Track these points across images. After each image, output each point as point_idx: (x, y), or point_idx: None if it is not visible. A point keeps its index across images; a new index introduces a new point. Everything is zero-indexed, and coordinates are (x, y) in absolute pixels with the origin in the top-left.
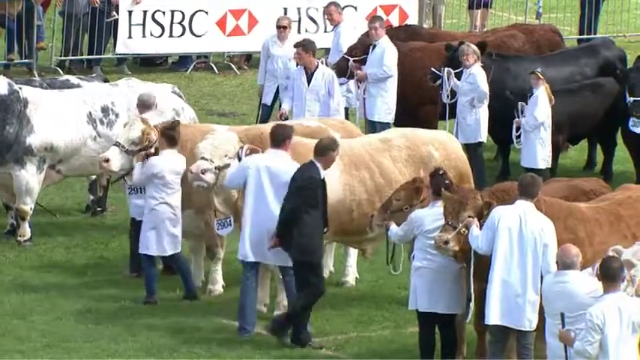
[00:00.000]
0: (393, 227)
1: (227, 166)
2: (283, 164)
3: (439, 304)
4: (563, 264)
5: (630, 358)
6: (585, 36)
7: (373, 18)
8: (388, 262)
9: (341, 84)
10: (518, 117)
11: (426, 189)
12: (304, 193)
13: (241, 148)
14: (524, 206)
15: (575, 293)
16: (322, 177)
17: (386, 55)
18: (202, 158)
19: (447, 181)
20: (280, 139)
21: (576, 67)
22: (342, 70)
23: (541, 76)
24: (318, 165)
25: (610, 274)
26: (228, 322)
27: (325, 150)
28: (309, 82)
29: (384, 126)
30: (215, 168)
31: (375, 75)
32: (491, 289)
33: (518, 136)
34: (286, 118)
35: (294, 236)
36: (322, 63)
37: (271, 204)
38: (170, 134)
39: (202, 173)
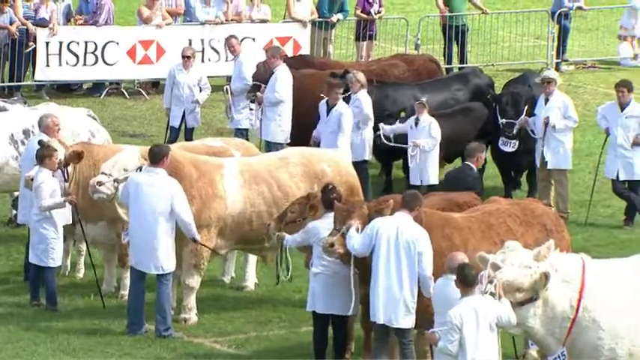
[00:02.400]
0: (288, 235)
1: (126, 179)
2: (158, 179)
3: (334, 306)
4: (450, 269)
5: (489, 353)
6: (458, 65)
7: (270, 48)
8: (278, 268)
9: (251, 109)
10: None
11: (319, 203)
12: None
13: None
14: (402, 217)
15: (454, 297)
16: None
17: (279, 81)
18: (102, 173)
19: (334, 195)
20: (158, 157)
21: (449, 93)
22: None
23: (425, 105)
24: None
25: (467, 280)
26: None
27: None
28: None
29: (277, 146)
30: (114, 180)
31: (269, 99)
32: (372, 290)
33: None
34: (317, 144)
35: None
36: (225, 90)
37: (149, 216)
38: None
39: (99, 185)
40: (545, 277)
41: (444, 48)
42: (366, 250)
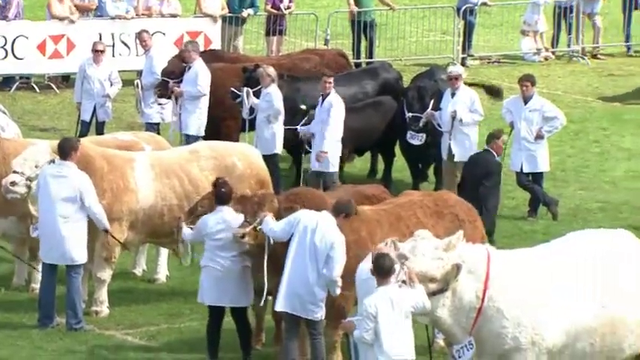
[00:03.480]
0: (186, 230)
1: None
2: (68, 173)
3: (224, 299)
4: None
5: (404, 339)
6: (367, 59)
7: (187, 42)
8: (178, 256)
9: (160, 104)
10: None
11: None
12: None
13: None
14: (326, 217)
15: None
16: None
17: (200, 75)
18: (14, 172)
19: (223, 189)
20: (67, 151)
21: (359, 87)
22: (165, 91)
23: None
24: None
25: (383, 270)
26: None
27: None
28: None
29: (198, 139)
30: (26, 179)
31: (191, 93)
32: (283, 281)
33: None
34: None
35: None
36: (135, 85)
37: (58, 209)
38: None
39: (12, 185)
40: (457, 268)
41: (353, 43)
42: (286, 236)
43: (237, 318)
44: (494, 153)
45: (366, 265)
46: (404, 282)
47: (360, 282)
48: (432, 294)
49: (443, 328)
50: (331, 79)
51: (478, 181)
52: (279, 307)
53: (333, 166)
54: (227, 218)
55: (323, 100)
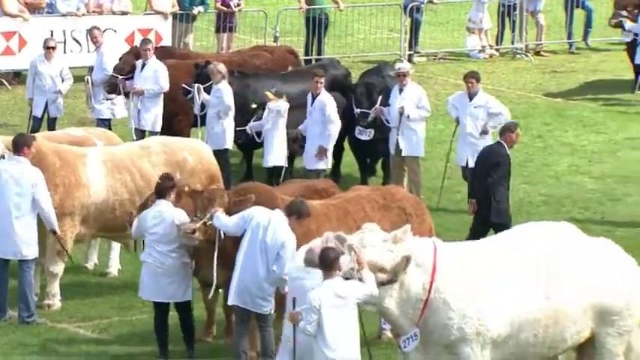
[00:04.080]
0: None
1: None
2: (20, 168)
3: (161, 294)
4: (308, 262)
5: (348, 330)
6: (316, 56)
7: (144, 40)
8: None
9: (109, 99)
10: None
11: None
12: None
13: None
14: (279, 216)
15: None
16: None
17: (159, 73)
18: None
19: (161, 183)
20: (20, 146)
21: (309, 84)
22: (114, 87)
23: (271, 97)
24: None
25: (327, 264)
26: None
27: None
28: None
29: (155, 134)
30: None
31: (153, 90)
32: (234, 276)
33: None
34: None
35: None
36: (85, 81)
37: (10, 204)
38: None
39: None
40: (407, 260)
41: (306, 40)
42: (239, 231)
43: (181, 312)
44: (506, 145)
45: (294, 265)
46: (352, 269)
47: (289, 281)
48: (380, 284)
49: (390, 319)
50: (322, 79)
51: (487, 172)
52: (231, 301)
53: (328, 162)
54: (163, 211)
55: (313, 99)
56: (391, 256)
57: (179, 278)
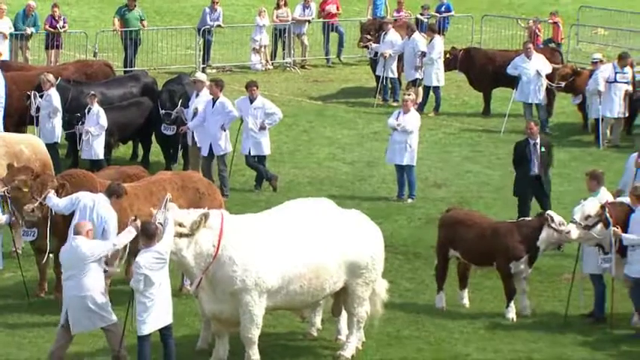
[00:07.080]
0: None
1: None
2: None
3: None
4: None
5: (165, 290)
6: (130, 68)
7: None
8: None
9: None
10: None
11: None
12: None
13: None
14: (101, 198)
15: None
16: None
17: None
18: None
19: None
20: None
21: (127, 89)
22: None
23: (96, 96)
24: None
25: (149, 234)
26: None
27: None
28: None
29: None
30: None
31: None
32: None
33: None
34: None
35: None
36: None
37: None
38: None
39: None
40: (204, 217)
41: (125, 55)
42: (67, 211)
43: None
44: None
45: (65, 247)
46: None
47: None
48: (179, 236)
49: (187, 268)
50: (220, 88)
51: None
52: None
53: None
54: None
55: (214, 102)
56: (189, 216)
57: None
